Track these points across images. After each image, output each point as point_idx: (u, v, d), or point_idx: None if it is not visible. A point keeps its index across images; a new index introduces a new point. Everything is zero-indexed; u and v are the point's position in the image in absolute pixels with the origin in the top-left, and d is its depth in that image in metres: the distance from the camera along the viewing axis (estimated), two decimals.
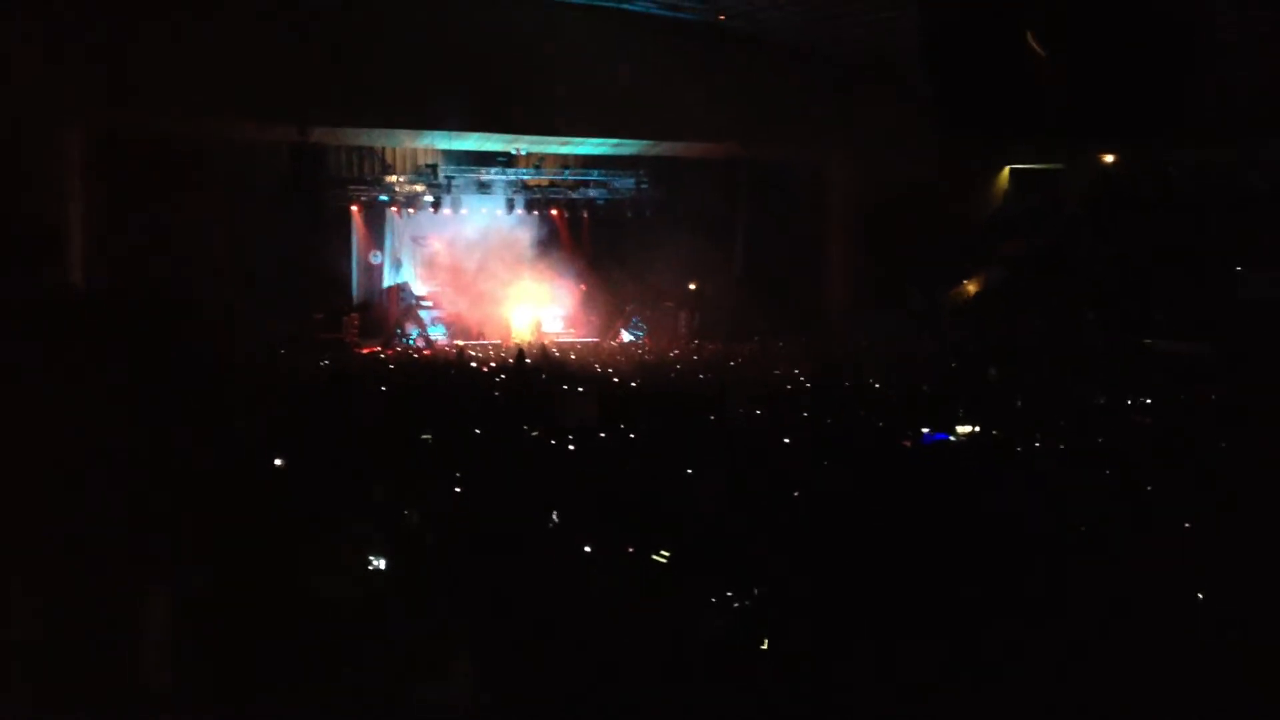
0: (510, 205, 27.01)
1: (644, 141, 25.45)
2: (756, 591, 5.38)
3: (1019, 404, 13.69)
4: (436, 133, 24.13)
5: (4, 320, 15.39)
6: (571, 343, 25.72)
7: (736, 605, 5.25)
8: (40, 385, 11.60)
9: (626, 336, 27.03)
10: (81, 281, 21.50)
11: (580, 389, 9.42)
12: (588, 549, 6.16)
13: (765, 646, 4.86)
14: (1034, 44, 9.80)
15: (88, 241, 21.98)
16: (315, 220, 24.92)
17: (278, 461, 8.02)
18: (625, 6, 22.59)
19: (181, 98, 20.00)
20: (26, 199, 19.32)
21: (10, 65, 17.36)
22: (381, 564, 5.63)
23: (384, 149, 26.65)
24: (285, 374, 17.25)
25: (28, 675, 4.19)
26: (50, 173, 20.73)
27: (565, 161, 27.76)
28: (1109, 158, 25.84)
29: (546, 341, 24.59)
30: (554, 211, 27.81)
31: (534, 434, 10.43)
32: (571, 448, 9.71)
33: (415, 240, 27.29)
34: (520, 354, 19.72)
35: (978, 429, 10.99)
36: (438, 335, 25.63)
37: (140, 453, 8.07)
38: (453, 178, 26.32)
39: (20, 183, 18.96)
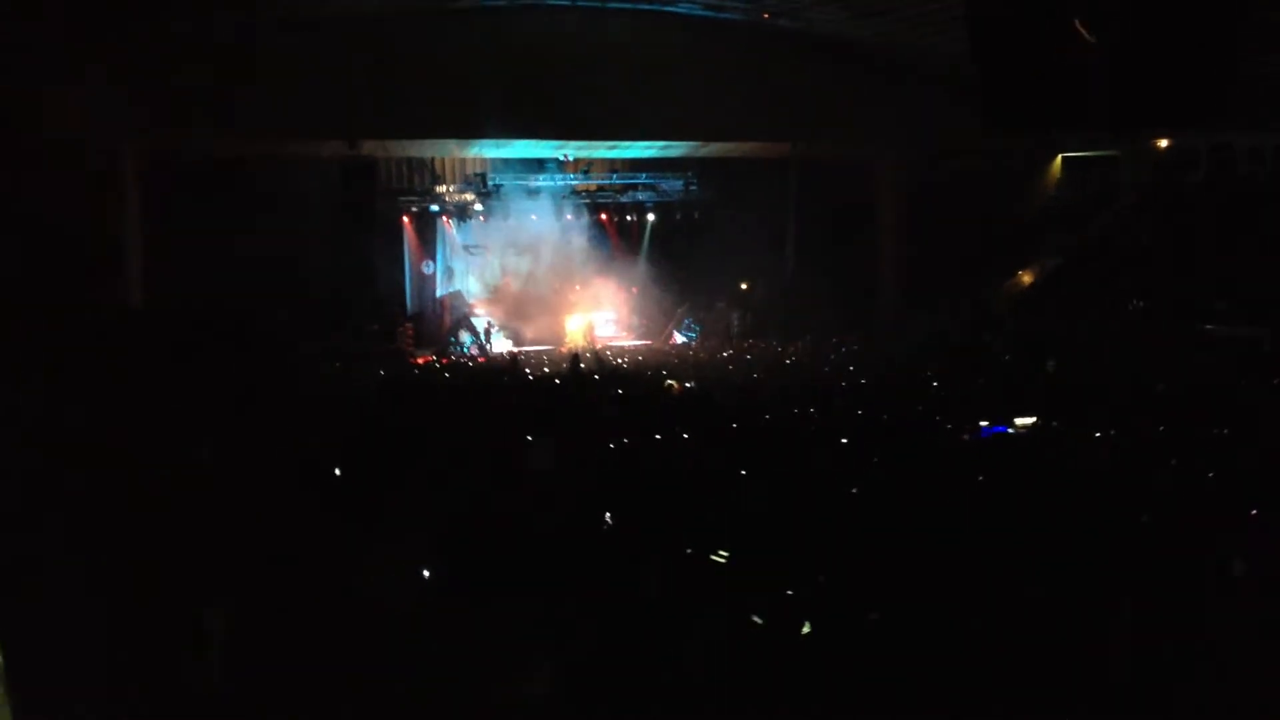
0: (559, 211, 27.06)
1: (692, 143, 25.43)
2: (814, 588, 5.35)
3: (1078, 394, 13.49)
4: (484, 141, 24.27)
5: (69, 334, 15.74)
6: (624, 346, 25.75)
7: (794, 603, 5.22)
8: (103, 396, 11.83)
9: (679, 338, 27.01)
10: (139, 297, 21.91)
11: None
12: (644, 550, 6.15)
13: (828, 641, 4.83)
14: (1081, 31, 9.70)
15: (145, 257, 22.39)
16: (367, 232, 25.14)
17: (337, 470, 8.10)
18: (669, 9, 22.60)
19: (234, 116, 20.33)
20: (86, 216, 19.71)
21: (70, 87, 17.71)
22: (438, 569, 5.66)
23: (433, 159, 26.85)
24: (343, 385, 17.43)
25: (89, 675, 4.26)
26: (108, 191, 21.16)
27: (613, 165, 27.82)
28: (1163, 143, 25.45)
29: (599, 345, 24.64)
30: (603, 216, 27.85)
31: (589, 436, 10.43)
32: (627, 449, 9.71)
33: (466, 249, 27.46)
34: (575, 359, 19.77)
35: (1037, 421, 10.84)
36: (490, 342, 25.75)
37: (202, 462, 8.20)
38: (501, 185, 26.44)
39: (79, 201, 19.34)
